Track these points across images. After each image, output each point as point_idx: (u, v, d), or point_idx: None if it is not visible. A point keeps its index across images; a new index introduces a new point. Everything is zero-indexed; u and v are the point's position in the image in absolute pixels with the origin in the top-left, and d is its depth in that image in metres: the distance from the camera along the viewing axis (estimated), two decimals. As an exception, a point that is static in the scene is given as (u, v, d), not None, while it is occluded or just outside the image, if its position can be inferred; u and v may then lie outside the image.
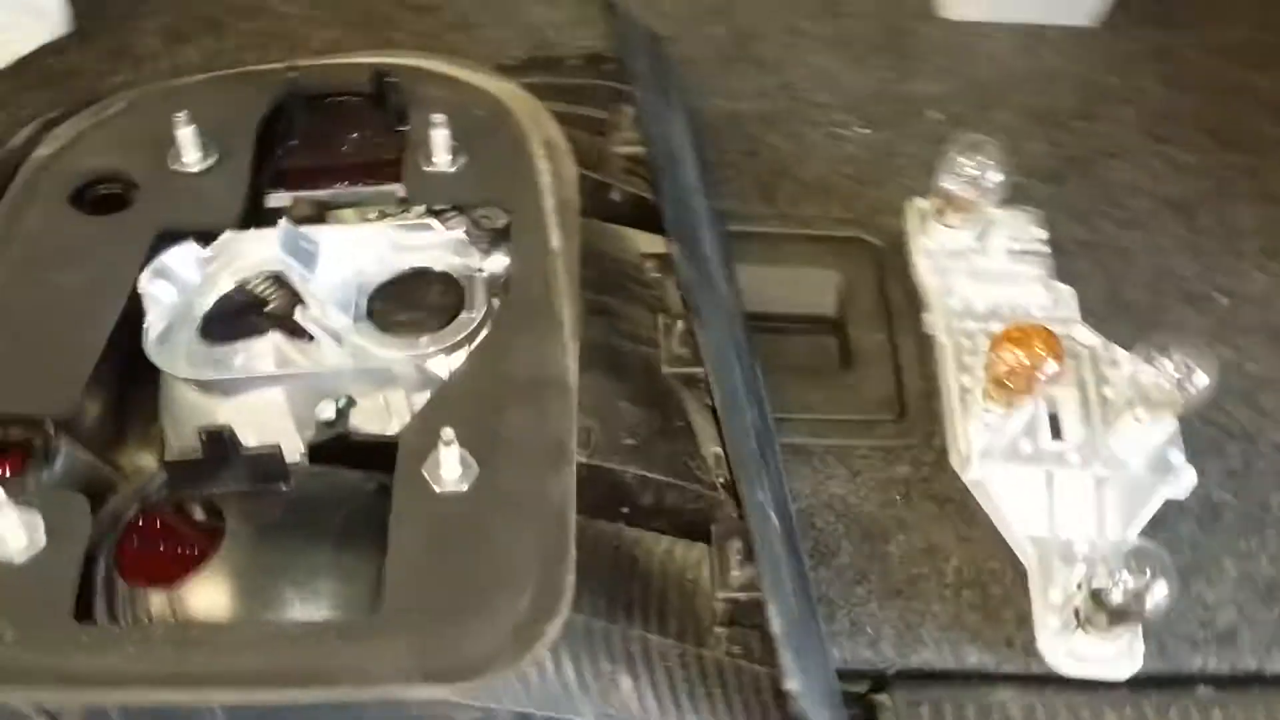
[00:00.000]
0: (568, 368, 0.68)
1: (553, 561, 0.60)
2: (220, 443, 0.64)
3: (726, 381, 0.73)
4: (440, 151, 0.78)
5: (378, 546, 0.61)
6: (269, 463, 0.65)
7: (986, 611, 0.81)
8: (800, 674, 0.63)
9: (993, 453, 0.83)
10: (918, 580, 0.82)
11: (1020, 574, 0.81)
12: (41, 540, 0.59)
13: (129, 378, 0.72)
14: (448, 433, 0.62)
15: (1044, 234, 0.95)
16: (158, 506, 0.64)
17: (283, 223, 0.73)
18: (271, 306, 0.75)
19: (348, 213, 0.82)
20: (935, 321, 0.91)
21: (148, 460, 0.73)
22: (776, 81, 1.09)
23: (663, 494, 0.72)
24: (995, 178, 0.91)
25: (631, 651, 0.65)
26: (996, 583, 0.82)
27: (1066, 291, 0.92)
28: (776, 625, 0.63)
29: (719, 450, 0.74)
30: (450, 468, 0.63)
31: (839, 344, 0.97)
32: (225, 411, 0.70)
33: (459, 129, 0.78)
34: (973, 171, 0.91)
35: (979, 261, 0.94)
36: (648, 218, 0.86)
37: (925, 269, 0.94)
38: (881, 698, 0.77)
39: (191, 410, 0.71)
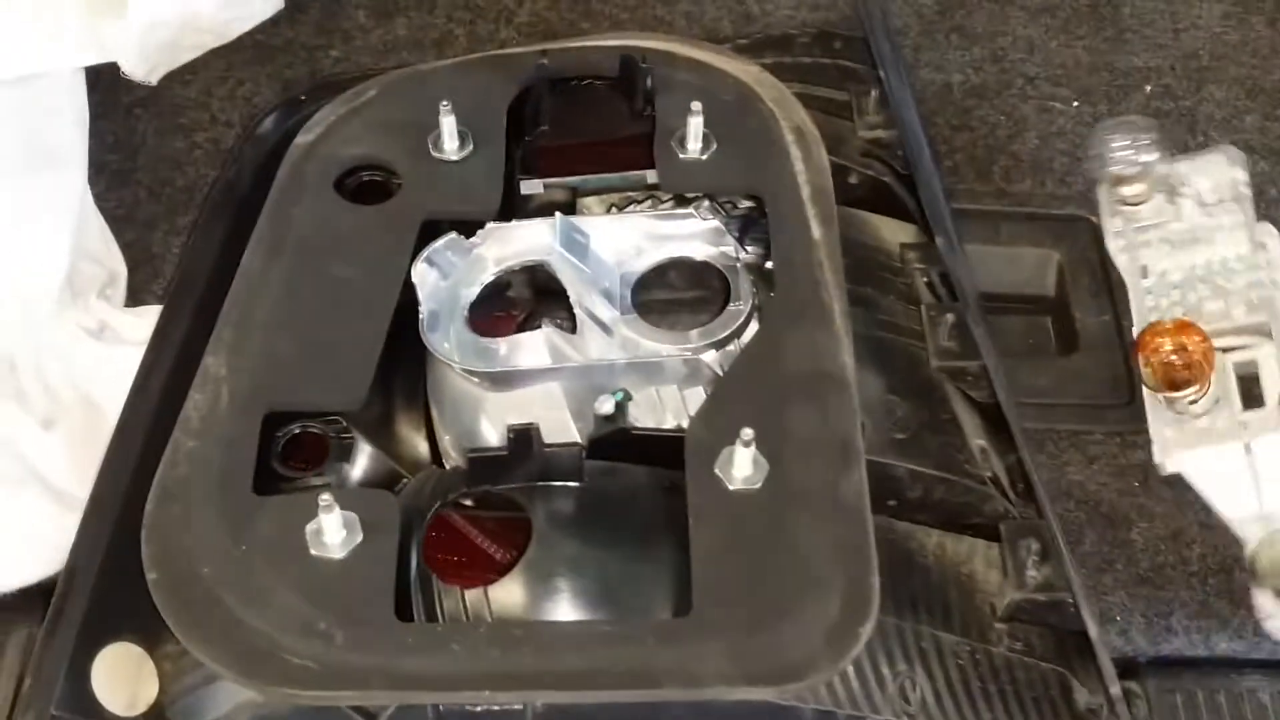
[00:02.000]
0: (845, 362, 0.68)
1: (856, 561, 0.60)
2: (527, 439, 0.64)
3: (1006, 378, 0.73)
4: (693, 139, 0.78)
5: (674, 545, 0.62)
6: (567, 460, 0.65)
7: (1232, 598, 0.81)
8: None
9: (1181, 440, 0.83)
10: (1163, 568, 0.82)
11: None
12: (358, 537, 0.60)
13: (395, 368, 0.73)
14: (748, 432, 0.62)
15: (1243, 175, 0.93)
16: (458, 502, 0.65)
17: (559, 216, 0.73)
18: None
19: (591, 200, 0.82)
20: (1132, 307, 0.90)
21: (416, 449, 0.74)
22: (985, 52, 1.07)
23: (931, 488, 0.72)
24: (1148, 157, 0.90)
25: (924, 649, 0.66)
26: (1242, 568, 0.82)
27: (1272, 233, 0.90)
28: (1093, 630, 0.63)
29: (983, 443, 0.74)
30: (744, 466, 0.63)
31: (1056, 325, 0.96)
32: (499, 403, 0.71)
33: (709, 115, 0.77)
34: (1126, 153, 0.90)
35: (1173, 227, 0.91)
36: (886, 202, 0.86)
37: (1115, 250, 0.93)
38: (1133, 685, 0.77)
39: (465, 401, 0.72)
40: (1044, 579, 0.67)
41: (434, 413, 0.74)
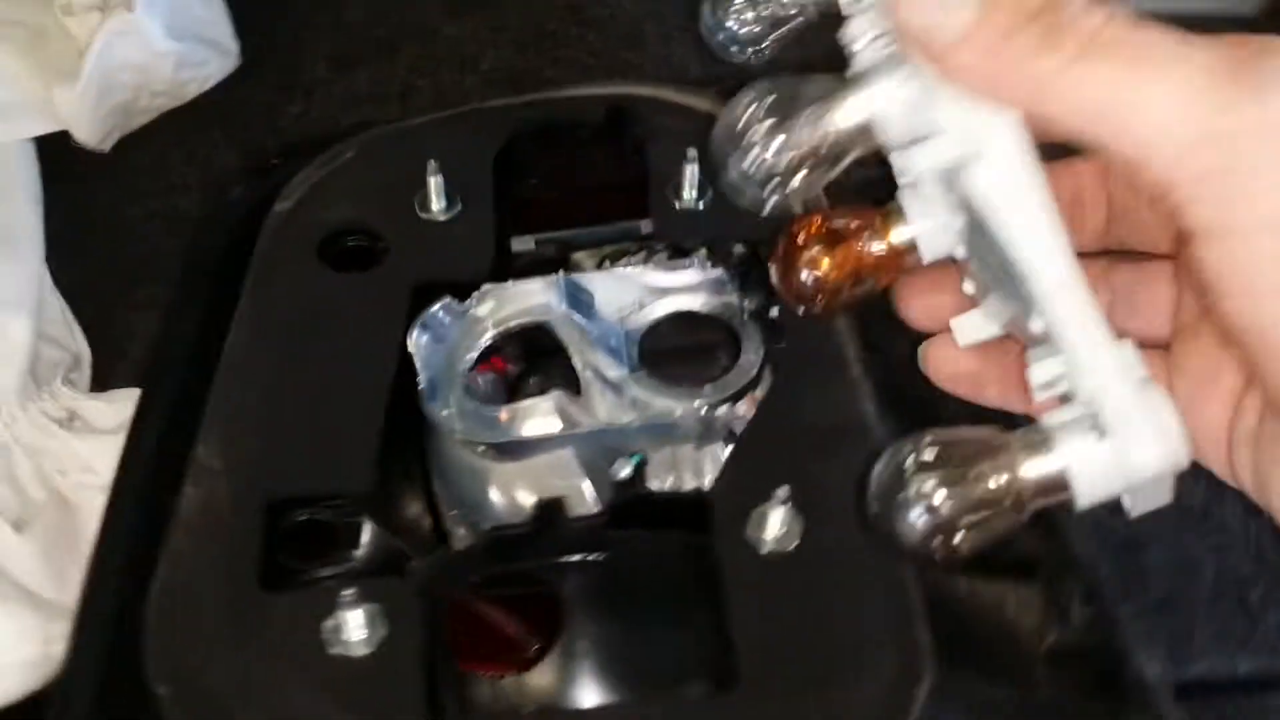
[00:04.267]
0: (866, 410, 0.66)
1: (904, 619, 0.58)
2: (552, 512, 0.61)
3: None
4: (689, 187, 0.75)
5: (709, 612, 0.59)
6: (593, 532, 0.62)
7: (1250, 616, 0.80)
8: None
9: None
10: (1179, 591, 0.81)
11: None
12: (382, 630, 0.57)
13: (393, 443, 0.69)
14: (783, 491, 0.59)
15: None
16: (478, 585, 0.62)
17: (561, 274, 0.70)
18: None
19: (581, 254, 0.79)
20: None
21: (420, 527, 0.71)
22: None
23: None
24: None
25: (972, 702, 0.63)
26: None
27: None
28: (1149, 673, 0.61)
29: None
30: (777, 527, 0.60)
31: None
32: (508, 473, 0.68)
33: (703, 161, 0.75)
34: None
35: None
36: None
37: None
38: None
39: (470, 473, 0.69)
40: (1087, 619, 0.65)
41: (436, 487, 0.71)
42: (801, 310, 0.45)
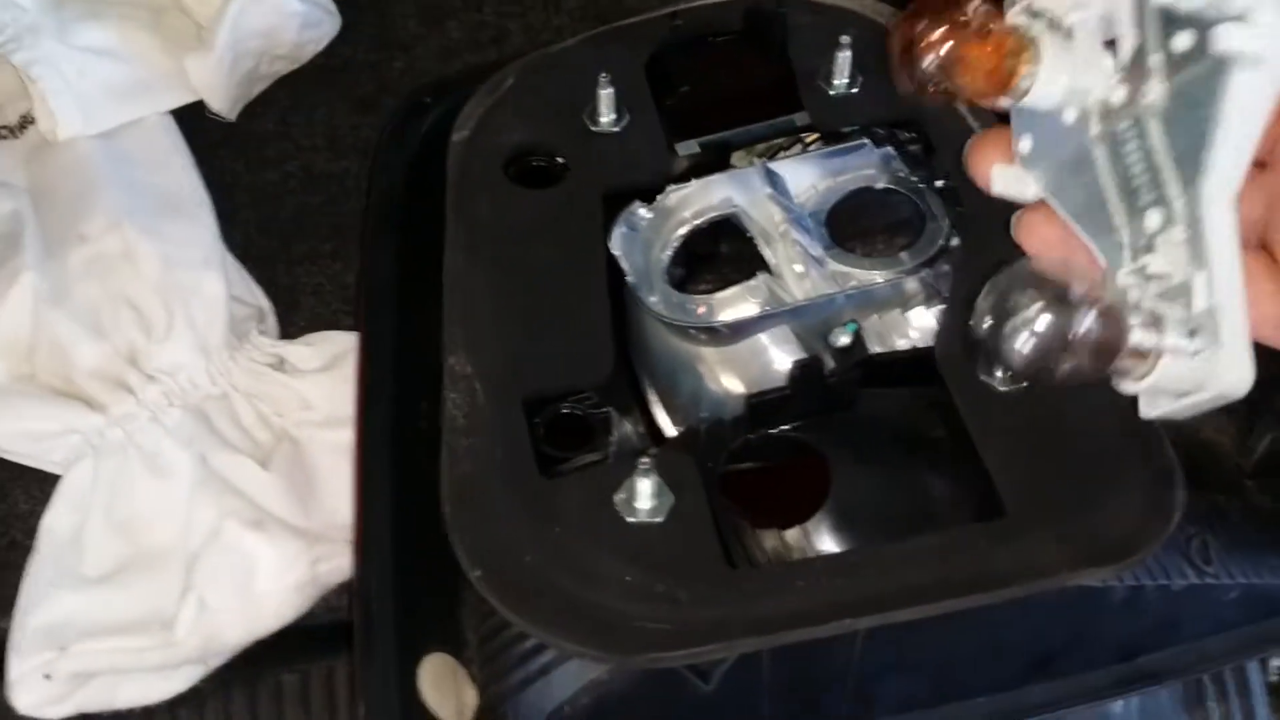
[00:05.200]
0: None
1: (1148, 435, 0.62)
2: (812, 371, 0.65)
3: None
4: (840, 74, 0.78)
5: (959, 458, 0.63)
6: (843, 389, 0.65)
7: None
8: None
9: None
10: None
11: None
12: (670, 498, 0.60)
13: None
14: (1023, 316, 0.62)
15: None
16: (748, 449, 0.65)
17: (760, 163, 0.73)
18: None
19: (738, 154, 0.82)
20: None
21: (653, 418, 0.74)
22: None
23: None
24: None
25: (1203, 510, 0.68)
26: None
27: None
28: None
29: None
30: (1003, 368, 0.64)
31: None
32: (727, 356, 0.71)
33: (855, 53, 0.78)
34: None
35: None
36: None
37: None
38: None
39: (688, 362, 0.72)
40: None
41: (646, 382, 0.74)
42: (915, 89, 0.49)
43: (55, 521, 0.72)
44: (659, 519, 0.60)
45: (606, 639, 0.57)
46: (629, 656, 0.57)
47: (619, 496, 0.60)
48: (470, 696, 0.62)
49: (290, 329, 0.86)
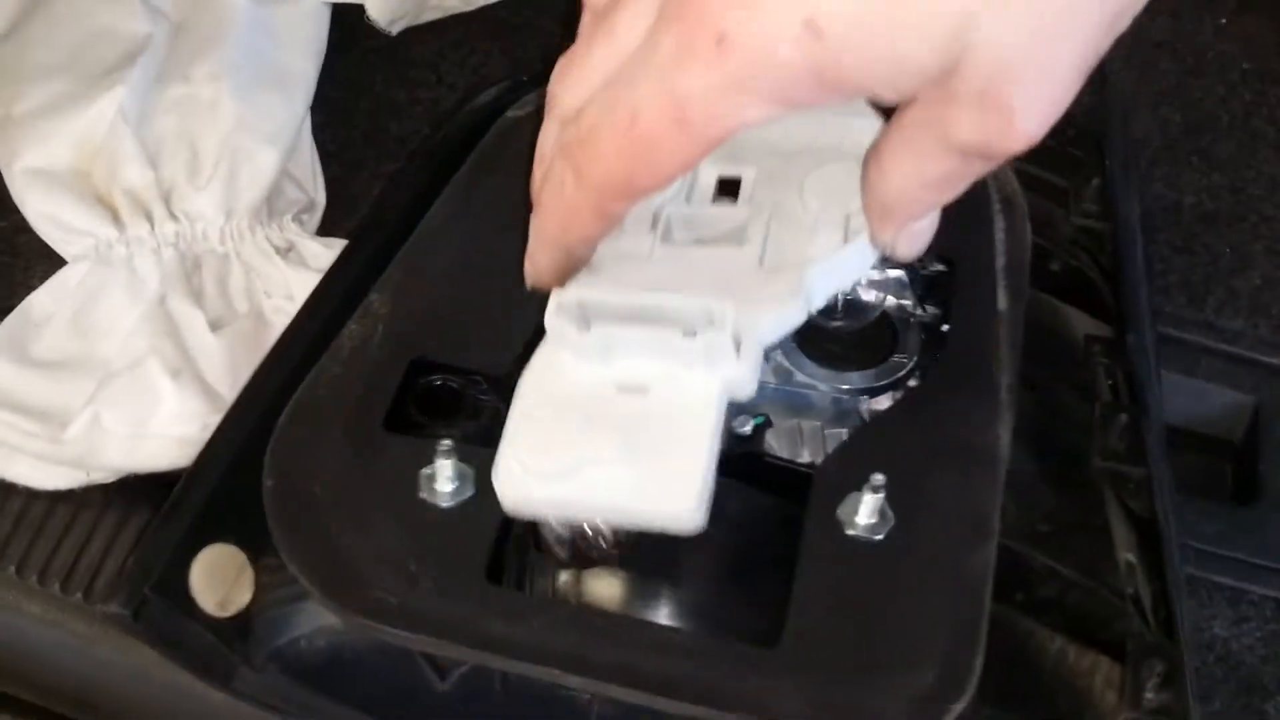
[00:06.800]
0: (1000, 438, 0.65)
1: (963, 639, 0.57)
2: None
3: (1165, 489, 0.69)
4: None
5: (778, 577, 0.60)
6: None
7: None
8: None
9: None
10: (1295, 747, 0.76)
11: None
12: (469, 491, 0.60)
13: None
14: (878, 478, 0.59)
15: None
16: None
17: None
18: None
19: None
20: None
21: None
22: (1224, 181, 1.03)
23: (1066, 591, 0.68)
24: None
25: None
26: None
27: None
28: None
29: (1131, 559, 0.70)
30: (868, 514, 0.60)
31: (1236, 473, 0.90)
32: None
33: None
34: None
35: None
36: (1083, 296, 0.82)
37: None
38: None
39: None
40: (1161, 704, 0.63)
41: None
42: None
43: (35, 300, 0.79)
44: (446, 505, 0.60)
45: (334, 588, 0.58)
46: (343, 610, 0.57)
47: (425, 471, 0.61)
48: (243, 596, 0.64)
49: (334, 229, 0.90)
